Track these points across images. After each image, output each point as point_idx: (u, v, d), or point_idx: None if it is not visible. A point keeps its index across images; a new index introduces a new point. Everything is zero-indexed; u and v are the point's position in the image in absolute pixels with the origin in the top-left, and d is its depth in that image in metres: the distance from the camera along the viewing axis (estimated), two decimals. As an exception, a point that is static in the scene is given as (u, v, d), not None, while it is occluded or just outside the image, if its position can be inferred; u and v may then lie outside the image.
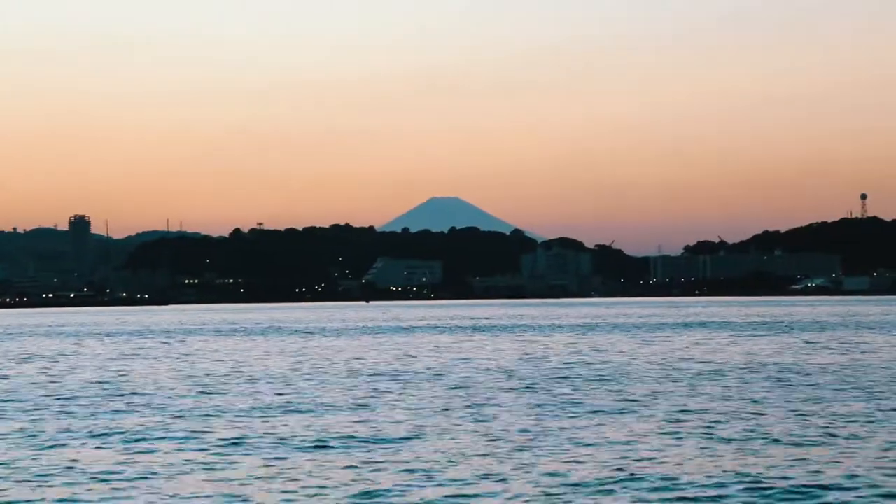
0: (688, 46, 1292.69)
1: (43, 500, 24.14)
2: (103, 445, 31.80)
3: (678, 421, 35.43)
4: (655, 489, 24.27)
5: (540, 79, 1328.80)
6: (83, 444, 32.14)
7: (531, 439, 31.66)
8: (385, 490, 24.47)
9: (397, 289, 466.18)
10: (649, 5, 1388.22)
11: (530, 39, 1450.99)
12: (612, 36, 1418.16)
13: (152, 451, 30.45)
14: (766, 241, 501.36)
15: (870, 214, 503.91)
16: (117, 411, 40.76)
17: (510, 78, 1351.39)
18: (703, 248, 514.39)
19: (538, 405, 40.53)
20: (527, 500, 23.37)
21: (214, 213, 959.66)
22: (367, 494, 24.06)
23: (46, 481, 26.21)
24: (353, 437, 32.68)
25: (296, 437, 32.86)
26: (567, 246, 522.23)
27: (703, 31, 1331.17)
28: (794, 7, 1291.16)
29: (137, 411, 40.76)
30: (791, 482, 25.06)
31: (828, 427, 33.58)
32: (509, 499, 23.51)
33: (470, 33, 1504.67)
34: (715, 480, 25.09)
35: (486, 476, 25.94)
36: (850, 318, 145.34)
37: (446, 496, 23.84)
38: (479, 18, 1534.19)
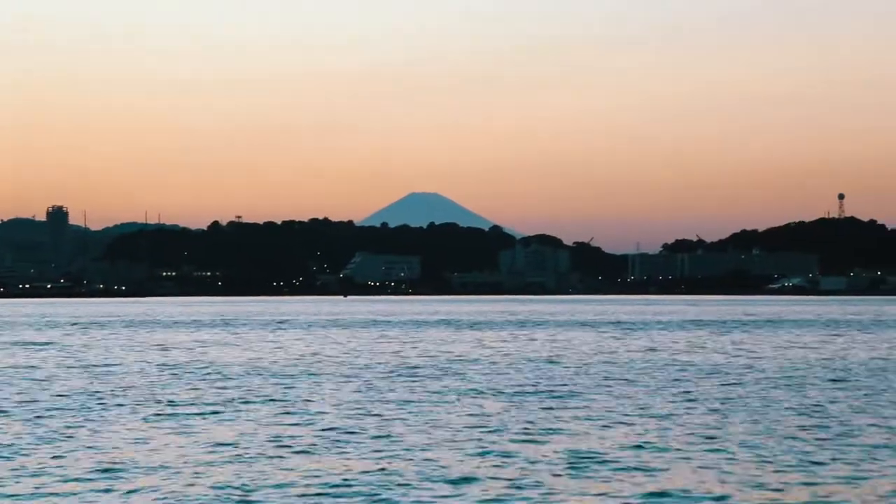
0: (667, 47, 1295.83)
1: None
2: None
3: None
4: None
5: (520, 76, 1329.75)
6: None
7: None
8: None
9: (375, 283, 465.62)
10: (632, 6, 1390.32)
11: (512, 37, 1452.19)
12: (593, 35, 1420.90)
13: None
14: (744, 240, 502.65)
15: (847, 215, 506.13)
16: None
17: (491, 75, 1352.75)
18: (682, 246, 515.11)
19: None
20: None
21: (193, 206, 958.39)
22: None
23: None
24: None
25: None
26: (545, 243, 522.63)
27: (685, 32, 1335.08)
28: (777, 9, 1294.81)
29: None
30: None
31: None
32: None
33: (452, 30, 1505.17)
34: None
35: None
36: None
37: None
38: (460, 16, 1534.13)
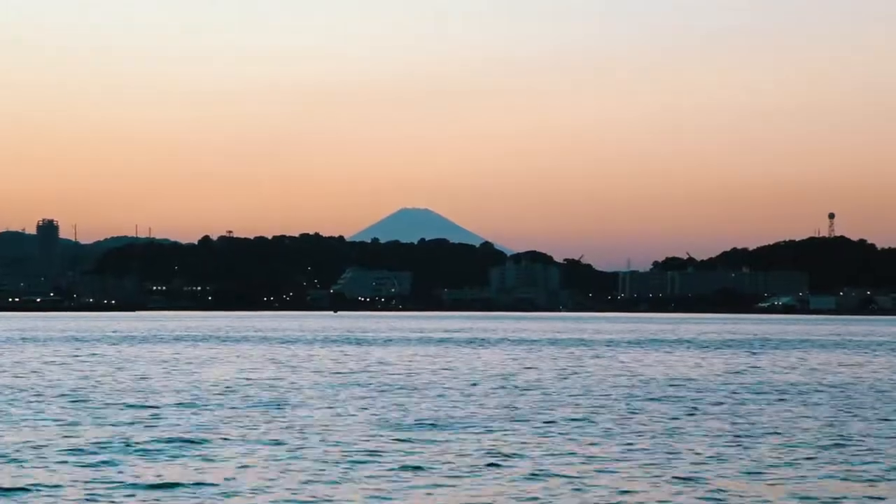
0: (661, 63, 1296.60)
1: None
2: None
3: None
4: None
5: (513, 91, 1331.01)
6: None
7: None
8: None
9: (366, 299, 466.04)
10: (625, 20, 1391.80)
11: (502, 52, 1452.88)
12: (585, 50, 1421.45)
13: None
14: (734, 258, 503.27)
15: (837, 234, 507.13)
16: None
17: (483, 89, 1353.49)
18: (672, 264, 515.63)
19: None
20: None
21: (184, 220, 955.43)
22: None
23: None
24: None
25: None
26: (536, 259, 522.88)
27: (676, 49, 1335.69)
28: (767, 27, 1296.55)
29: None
30: None
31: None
32: None
33: (443, 44, 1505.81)
34: None
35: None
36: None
37: None
38: (449, 30, 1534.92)
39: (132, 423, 40.89)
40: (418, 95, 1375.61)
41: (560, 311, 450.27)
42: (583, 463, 32.16)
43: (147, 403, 48.89)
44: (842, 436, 38.98)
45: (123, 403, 48.93)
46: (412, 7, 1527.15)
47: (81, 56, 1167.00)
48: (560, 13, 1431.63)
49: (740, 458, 33.21)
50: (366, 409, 46.85)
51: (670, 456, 33.62)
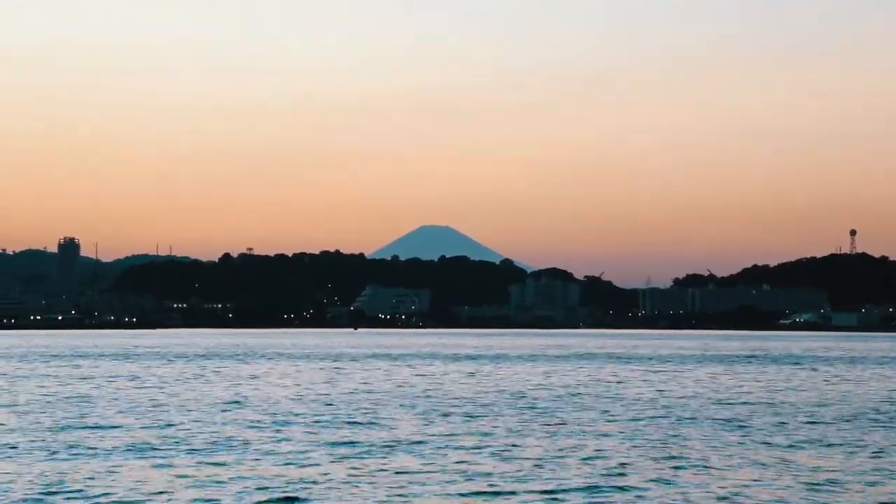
0: (679, 78, 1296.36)
1: None
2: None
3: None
4: None
5: (534, 109, 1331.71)
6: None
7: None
8: None
9: (385, 317, 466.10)
10: (638, 34, 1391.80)
11: (523, 70, 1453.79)
12: (602, 66, 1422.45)
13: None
14: (755, 275, 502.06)
15: (859, 250, 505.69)
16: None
17: (503, 107, 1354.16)
18: (693, 281, 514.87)
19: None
20: None
21: (204, 238, 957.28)
22: None
23: None
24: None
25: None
26: (556, 276, 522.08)
27: (693, 62, 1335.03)
28: (785, 41, 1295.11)
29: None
30: None
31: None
32: None
33: (463, 63, 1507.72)
34: None
35: None
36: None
37: None
38: (470, 48, 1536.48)
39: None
40: (438, 113, 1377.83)
41: (580, 328, 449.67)
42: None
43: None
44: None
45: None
46: (432, 24, 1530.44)
47: (102, 76, 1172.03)
48: (586, 28, 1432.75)
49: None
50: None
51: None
